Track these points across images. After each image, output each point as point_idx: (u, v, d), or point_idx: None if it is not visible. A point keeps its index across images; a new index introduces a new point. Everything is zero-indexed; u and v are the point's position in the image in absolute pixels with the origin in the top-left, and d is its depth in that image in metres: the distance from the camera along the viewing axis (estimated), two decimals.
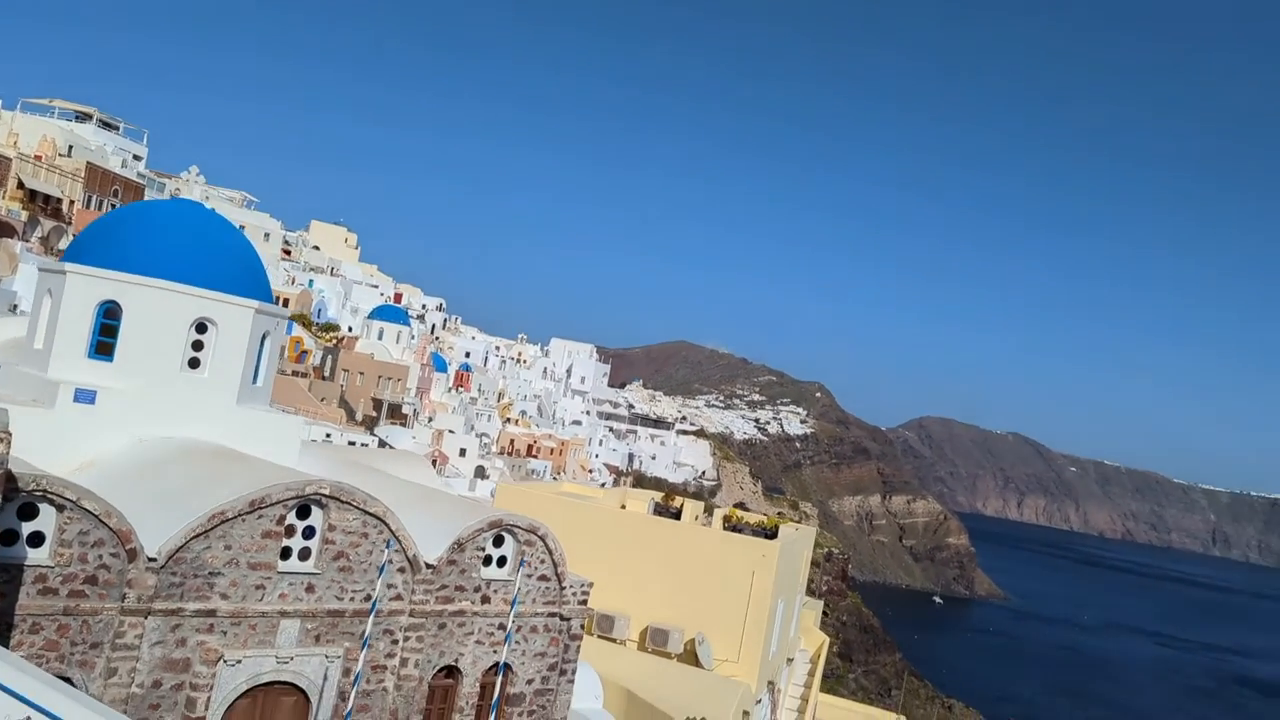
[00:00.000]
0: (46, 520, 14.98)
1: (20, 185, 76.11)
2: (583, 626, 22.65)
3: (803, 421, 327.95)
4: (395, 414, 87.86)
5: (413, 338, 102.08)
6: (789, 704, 40.46)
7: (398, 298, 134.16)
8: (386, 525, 18.43)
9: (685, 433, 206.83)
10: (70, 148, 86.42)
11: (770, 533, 34.63)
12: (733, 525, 35.42)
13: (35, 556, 14.91)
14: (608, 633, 31.50)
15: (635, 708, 27.37)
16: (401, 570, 18.95)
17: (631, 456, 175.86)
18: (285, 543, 17.43)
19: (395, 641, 19.01)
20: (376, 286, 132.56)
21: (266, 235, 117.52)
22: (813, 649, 45.14)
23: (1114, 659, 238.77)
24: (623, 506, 36.36)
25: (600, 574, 26.98)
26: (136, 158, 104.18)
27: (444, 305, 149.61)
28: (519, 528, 20.82)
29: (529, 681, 21.56)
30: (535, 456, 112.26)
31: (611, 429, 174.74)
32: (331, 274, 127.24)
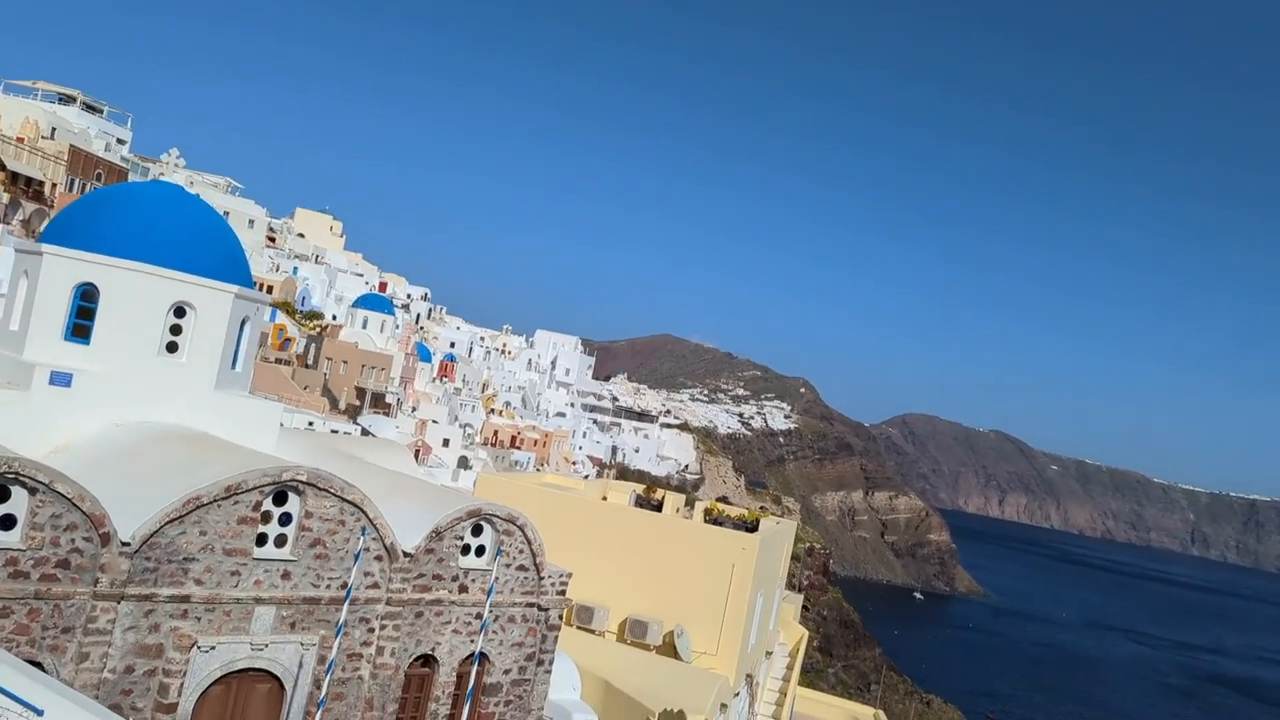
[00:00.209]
0: (18, 503, 14.81)
1: (2, 167, 75.39)
2: (561, 617, 22.60)
3: (787, 417, 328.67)
4: (379, 403, 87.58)
5: (397, 327, 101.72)
6: (767, 697, 40.56)
7: (383, 287, 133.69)
8: (364, 513, 18.31)
9: (669, 426, 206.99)
10: (53, 130, 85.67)
11: (751, 526, 34.67)
12: (713, 518, 35.42)
13: (6, 540, 14.74)
14: (587, 624, 31.48)
15: (613, 699, 27.36)
16: (379, 558, 18.85)
17: (615, 449, 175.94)
18: (261, 529, 17.29)
19: (371, 630, 18.92)
20: (361, 275, 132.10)
21: (251, 222, 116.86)
22: (792, 643, 45.27)
23: (1091, 656, 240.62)
24: (604, 498, 36.34)
25: (580, 565, 26.95)
26: (120, 141, 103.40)
27: (429, 295, 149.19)
28: (498, 517, 20.74)
29: (506, 671, 21.51)
30: (519, 448, 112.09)
31: (595, 421, 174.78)
32: (316, 262, 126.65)
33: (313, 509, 17.78)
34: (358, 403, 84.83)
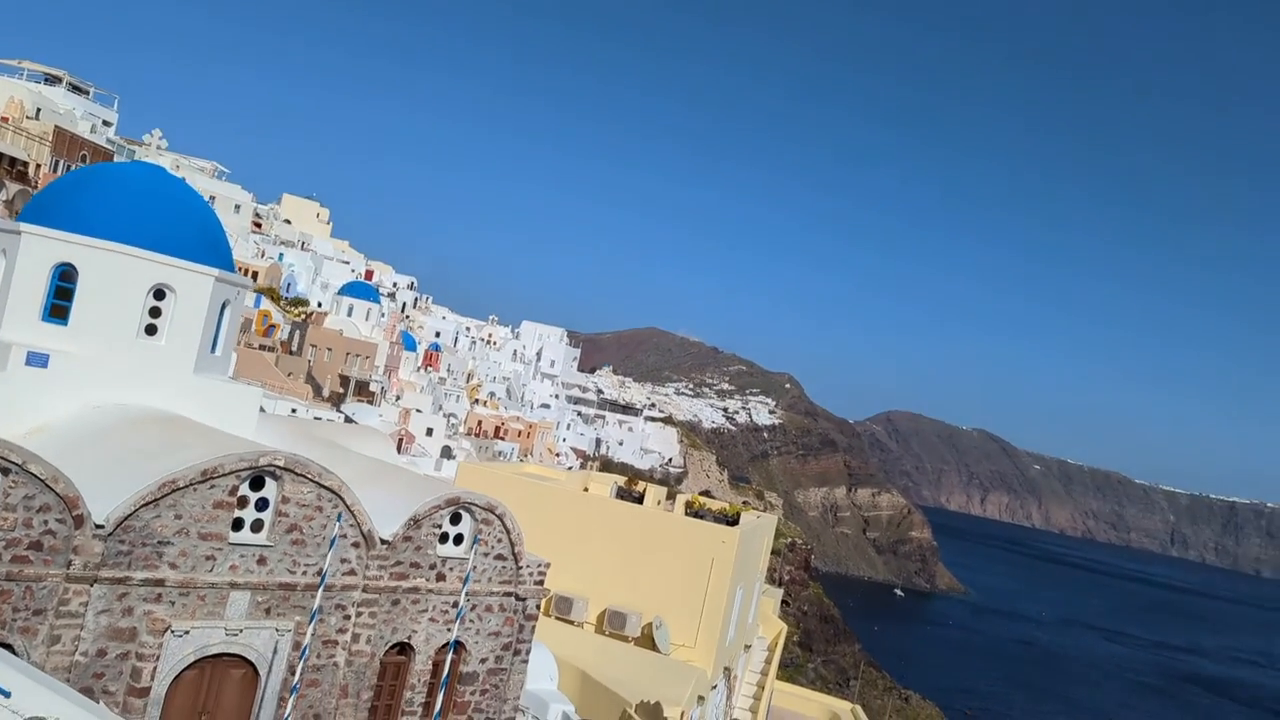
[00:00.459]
0: None
1: None
2: (539, 607, 22.57)
3: (771, 412, 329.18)
4: (363, 391, 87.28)
5: (383, 315, 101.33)
6: (745, 690, 40.66)
7: (369, 275, 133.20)
8: (341, 499, 18.24)
9: (653, 419, 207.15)
10: (38, 110, 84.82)
11: (731, 520, 34.72)
12: (695, 511, 35.46)
13: None
14: (565, 614, 31.48)
15: (591, 690, 27.37)
16: (356, 545, 18.79)
17: (599, 441, 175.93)
18: (237, 514, 17.21)
19: (348, 617, 18.85)
20: (348, 263, 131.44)
21: (237, 207, 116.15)
22: (771, 637, 45.39)
23: (1069, 654, 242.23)
24: (585, 489, 36.33)
25: (560, 556, 26.94)
26: (106, 123, 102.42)
27: (415, 284, 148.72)
28: (477, 506, 20.69)
29: (482, 660, 21.48)
30: (503, 438, 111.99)
31: (580, 413, 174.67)
32: (302, 248, 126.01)
33: (290, 494, 17.69)
34: (342, 390, 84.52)
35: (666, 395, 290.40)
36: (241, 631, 17.39)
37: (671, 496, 37.85)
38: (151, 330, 20.76)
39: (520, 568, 21.79)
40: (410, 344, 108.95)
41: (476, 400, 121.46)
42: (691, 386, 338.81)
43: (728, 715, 37.23)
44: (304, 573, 18.05)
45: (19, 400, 18.70)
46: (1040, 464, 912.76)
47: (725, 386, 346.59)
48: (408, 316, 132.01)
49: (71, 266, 19.97)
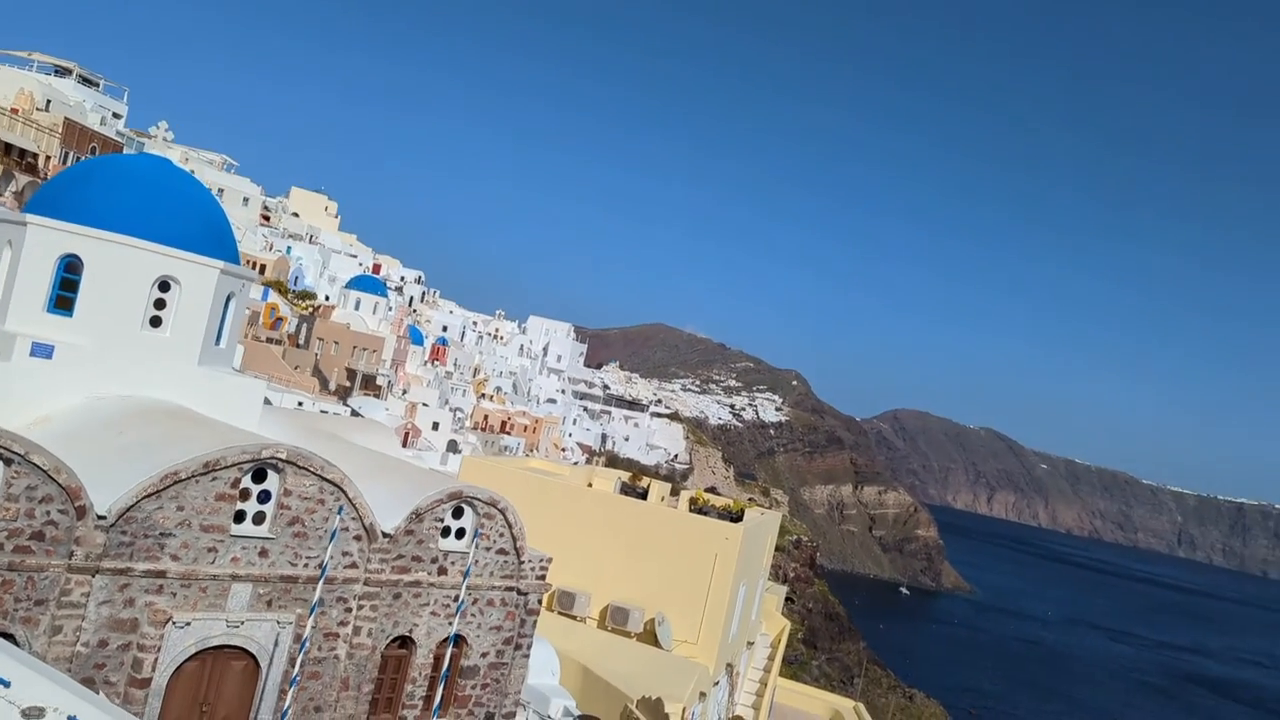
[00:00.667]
0: None
1: None
2: (541, 602, 22.58)
3: (778, 409, 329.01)
4: (369, 385, 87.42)
5: (390, 309, 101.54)
6: (747, 687, 40.65)
7: (376, 268, 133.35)
8: (343, 492, 18.25)
9: (660, 415, 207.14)
10: (48, 102, 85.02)
11: (735, 516, 34.68)
12: (698, 507, 35.43)
13: None
14: (568, 609, 31.48)
15: (592, 685, 27.37)
16: (358, 538, 18.80)
17: (605, 437, 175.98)
18: (239, 506, 17.23)
19: (349, 610, 18.88)
20: (355, 256, 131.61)
21: (246, 200, 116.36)
22: (774, 633, 45.35)
23: (1073, 654, 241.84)
24: (589, 485, 36.31)
25: (563, 551, 26.95)
26: (116, 115, 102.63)
27: (423, 278, 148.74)
28: (479, 500, 20.69)
29: (484, 655, 21.50)
30: (509, 433, 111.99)
31: (586, 409, 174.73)
32: (310, 242, 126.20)
33: (292, 487, 17.71)
34: (348, 384, 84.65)
35: (673, 391, 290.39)
36: (243, 623, 17.42)
37: (675, 493, 37.85)
38: (156, 322, 20.80)
39: (522, 562, 21.79)
40: (417, 338, 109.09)
41: (483, 395, 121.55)
42: (698, 383, 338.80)
43: (730, 712, 37.23)
44: (306, 565, 18.07)
45: (23, 391, 18.76)
46: (1047, 463, 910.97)
47: (732, 383, 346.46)
48: (415, 310, 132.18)
49: (76, 258, 20.01)
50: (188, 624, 16.75)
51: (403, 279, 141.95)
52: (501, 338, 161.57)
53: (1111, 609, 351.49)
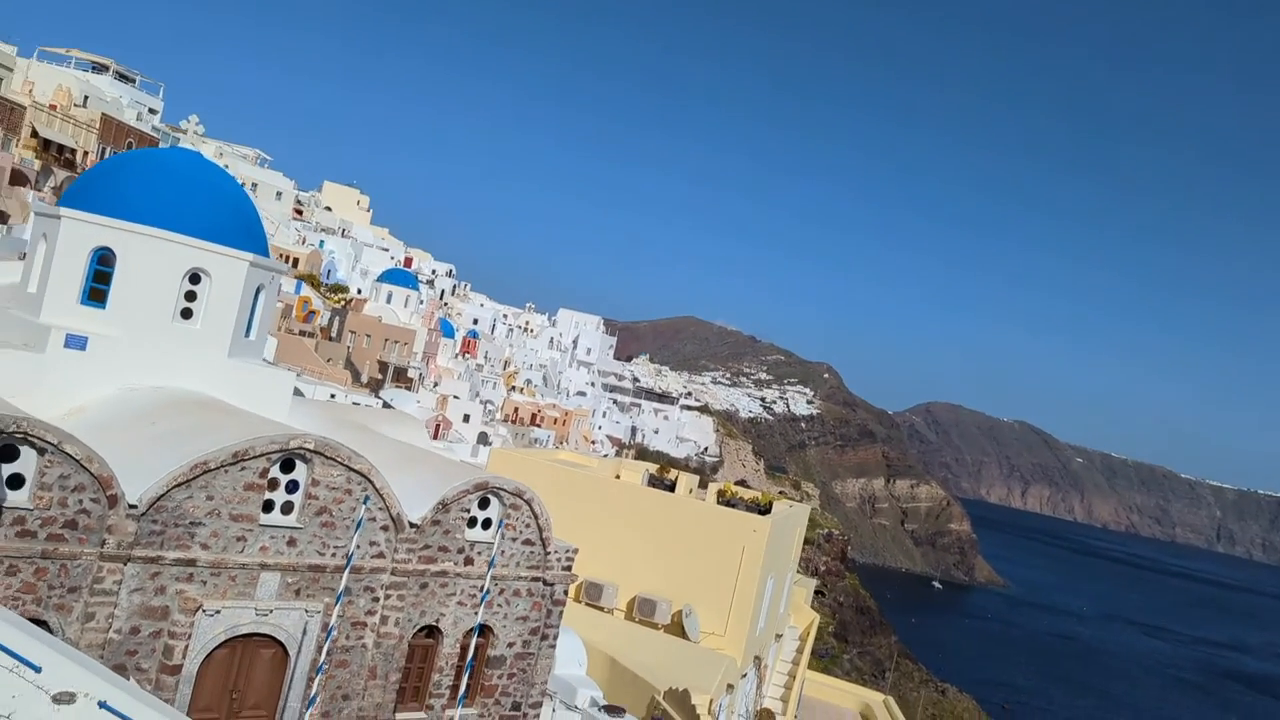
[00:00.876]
0: (27, 463, 14.97)
1: (34, 134, 76.01)
2: (567, 592, 22.66)
3: (809, 402, 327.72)
4: (401, 377, 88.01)
5: (421, 302, 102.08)
6: (776, 679, 40.59)
7: (408, 262, 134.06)
8: (370, 482, 18.40)
9: (689, 408, 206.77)
10: (86, 98, 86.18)
11: (763, 509, 34.63)
12: (726, 500, 35.41)
13: (14, 499, 14.92)
14: (595, 601, 31.58)
15: (619, 676, 27.46)
16: (385, 528, 18.96)
17: (635, 430, 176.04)
18: (268, 495, 17.42)
19: (376, 599, 19.05)
20: (387, 250, 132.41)
21: (279, 194, 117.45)
22: (803, 626, 45.25)
23: (1109, 650, 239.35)
24: (617, 476, 36.38)
25: (591, 542, 27.02)
26: (152, 111, 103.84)
27: (454, 271, 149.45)
28: (505, 491, 20.79)
29: (510, 645, 21.61)
30: (539, 425, 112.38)
31: (616, 401, 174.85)
32: (342, 235, 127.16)
33: (320, 477, 17.87)
34: (380, 376, 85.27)
35: (703, 384, 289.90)
36: (272, 612, 17.62)
37: (704, 485, 37.81)
38: (187, 314, 21.03)
39: (548, 553, 21.87)
40: (448, 331, 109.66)
41: (513, 387, 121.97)
42: (728, 376, 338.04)
43: (758, 704, 37.20)
44: (333, 555, 18.24)
45: (58, 381, 19.05)
46: (1083, 457, 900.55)
47: (763, 376, 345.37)
48: (446, 304, 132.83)
49: (110, 250, 20.26)
50: (217, 612, 16.97)
51: (434, 272, 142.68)
52: (532, 330, 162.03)
53: (1148, 604, 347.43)
